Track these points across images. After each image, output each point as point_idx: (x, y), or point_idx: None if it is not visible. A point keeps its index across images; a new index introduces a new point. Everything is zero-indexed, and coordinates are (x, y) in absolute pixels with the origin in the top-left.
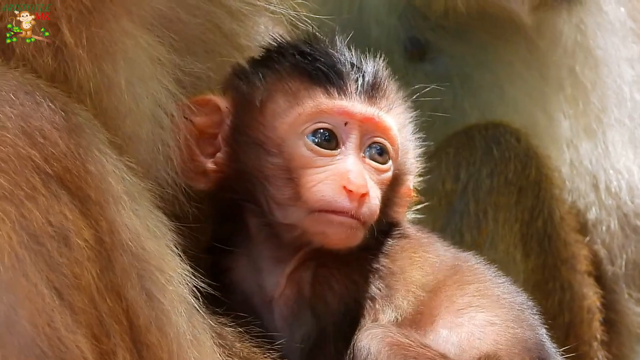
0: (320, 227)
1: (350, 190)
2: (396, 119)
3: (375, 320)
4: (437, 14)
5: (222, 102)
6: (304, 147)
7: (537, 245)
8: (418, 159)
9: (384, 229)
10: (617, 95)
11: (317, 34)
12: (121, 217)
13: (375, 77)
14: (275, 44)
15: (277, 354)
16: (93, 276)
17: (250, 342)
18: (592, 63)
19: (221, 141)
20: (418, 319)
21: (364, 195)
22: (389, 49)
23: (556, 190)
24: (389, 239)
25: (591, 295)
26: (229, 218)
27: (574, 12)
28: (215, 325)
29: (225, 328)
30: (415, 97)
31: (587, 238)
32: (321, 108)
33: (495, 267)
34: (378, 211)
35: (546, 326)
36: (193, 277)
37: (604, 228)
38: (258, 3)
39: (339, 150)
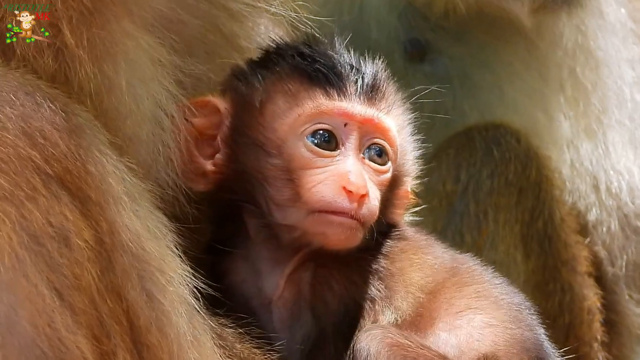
0: (320, 228)
1: (350, 191)
2: (395, 120)
3: (375, 321)
4: (437, 14)
5: (221, 104)
6: (304, 148)
7: (538, 246)
8: (417, 160)
9: (383, 230)
10: (618, 96)
11: (316, 35)
12: (121, 217)
13: (374, 79)
14: (274, 45)
15: (278, 355)
16: (93, 277)
17: (250, 343)
18: (593, 64)
19: (220, 142)
20: (417, 321)
21: (364, 196)
22: (389, 49)
23: (556, 191)
24: (388, 241)
25: (591, 297)
26: (227, 219)
27: (574, 14)
28: (216, 326)
29: (226, 329)
30: (415, 98)
31: (588, 239)
32: (321, 109)
33: (496, 268)
34: (377, 212)
35: (545, 326)
36: (193, 278)
37: (604, 229)
38: (258, 5)
39: (338, 151)
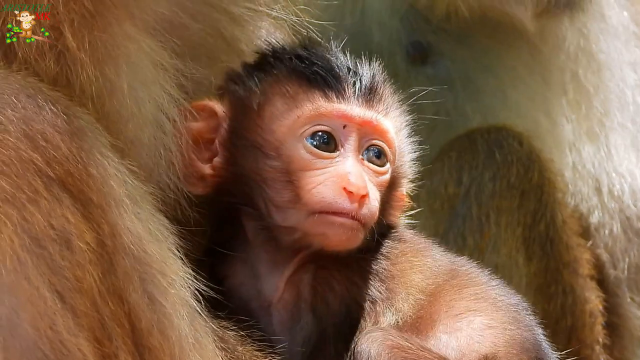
0: (320, 229)
1: (351, 192)
2: (393, 122)
3: (376, 322)
4: (439, 17)
5: (219, 107)
6: (303, 150)
7: (540, 249)
8: (414, 162)
9: (382, 231)
10: (620, 99)
11: (312, 38)
12: (123, 220)
13: (372, 81)
14: (271, 48)
15: (279, 357)
16: (95, 279)
17: (252, 345)
18: (595, 67)
19: (218, 146)
20: (418, 323)
21: (364, 197)
22: (392, 52)
23: (559, 193)
24: (387, 242)
25: (593, 299)
26: (226, 222)
27: (576, 18)
28: (217, 329)
29: (227, 332)
30: (418, 101)
31: (590, 242)
32: (320, 111)
33: (498, 270)
34: (377, 213)
35: (544, 327)
36: (195, 281)
37: (606, 232)
38: (260, 9)
39: (337, 152)
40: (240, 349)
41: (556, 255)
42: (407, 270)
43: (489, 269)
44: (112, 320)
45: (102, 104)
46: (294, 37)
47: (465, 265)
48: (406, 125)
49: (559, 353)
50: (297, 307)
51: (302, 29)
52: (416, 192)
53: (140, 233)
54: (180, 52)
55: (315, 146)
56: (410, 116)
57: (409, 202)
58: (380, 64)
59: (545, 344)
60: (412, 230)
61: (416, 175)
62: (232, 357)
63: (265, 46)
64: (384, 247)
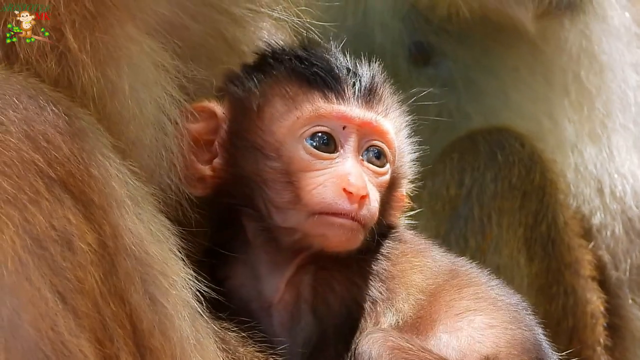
0: (320, 230)
1: (351, 192)
2: (393, 122)
3: (377, 323)
4: (440, 18)
5: (218, 108)
6: (303, 151)
7: (541, 250)
8: (413, 162)
9: (382, 232)
10: (622, 100)
11: (311, 38)
12: (124, 221)
13: (371, 82)
14: (270, 49)
15: (280, 358)
16: (96, 280)
17: (253, 346)
18: (597, 68)
19: (218, 147)
20: (418, 323)
21: (364, 197)
22: (394, 53)
23: (560, 195)
24: (388, 242)
25: (595, 300)
26: (227, 223)
27: (578, 19)
28: (219, 330)
29: (229, 333)
30: (420, 102)
31: (592, 243)
32: (320, 112)
33: (500, 271)
34: (377, 213)
35: (545, 328)
36: (196, 282)
37: (608, 233)
38: (261, 10)
39: (337, 153)
40: (242, 350)
41: (558, 256)
42: (407, 271)
43: (491, 270)
44: (113, 321)
45: (103, 105)
46: (295, 38)
47: (465, 265)
48: (406, 126)
49: (560, 354)
50: (298, 308)
51: (303, 30)
52: (418, 193)
53: (142, 234)
54: (181, 53)
55: (315, 147)
56: (411, 117)
57: (409, 203)
58: (381, 64)
59: (546, 344)
60: (412, 231)
61: (417, 177)
62: (233, 358)
63: (264, 47)
64: (384, 248)
